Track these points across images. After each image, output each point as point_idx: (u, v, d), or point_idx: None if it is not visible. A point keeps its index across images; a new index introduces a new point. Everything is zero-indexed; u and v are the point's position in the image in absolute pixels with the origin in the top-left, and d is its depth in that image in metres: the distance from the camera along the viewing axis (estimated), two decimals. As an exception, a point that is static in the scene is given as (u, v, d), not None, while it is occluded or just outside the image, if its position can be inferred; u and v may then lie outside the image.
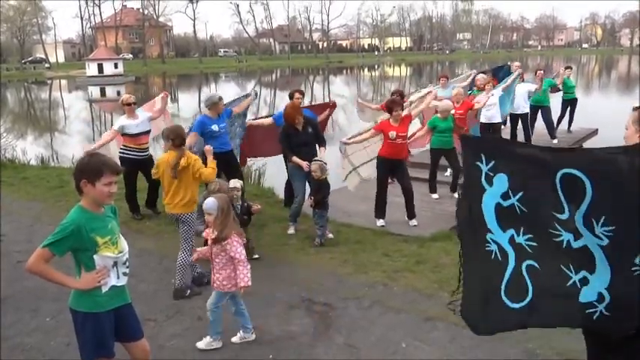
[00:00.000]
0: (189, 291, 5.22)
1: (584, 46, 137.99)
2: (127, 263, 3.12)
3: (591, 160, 2.34)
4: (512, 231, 2.57)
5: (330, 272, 5.72)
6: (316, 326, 4.59)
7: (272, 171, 10.68)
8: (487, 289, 2.68)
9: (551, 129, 12.81)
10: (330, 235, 6.89)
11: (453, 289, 2.87)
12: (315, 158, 6.67)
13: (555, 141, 12.71)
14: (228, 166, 7.12)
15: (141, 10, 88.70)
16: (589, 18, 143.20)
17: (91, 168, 2.91)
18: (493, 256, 2.63)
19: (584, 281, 2.46)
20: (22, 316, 4.81)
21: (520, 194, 2.50)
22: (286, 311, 4.84)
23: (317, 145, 6.99)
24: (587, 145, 14.29)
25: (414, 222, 7.49)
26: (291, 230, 7.04)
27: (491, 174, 2.54)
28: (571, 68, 14.30)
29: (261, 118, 8.24)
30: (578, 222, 2.38)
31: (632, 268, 2.36)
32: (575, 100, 13.82)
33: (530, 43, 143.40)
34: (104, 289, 2.99)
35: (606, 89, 37.53)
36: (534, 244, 2.53)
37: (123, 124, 7.46)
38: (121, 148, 7.59)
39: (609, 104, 26.08)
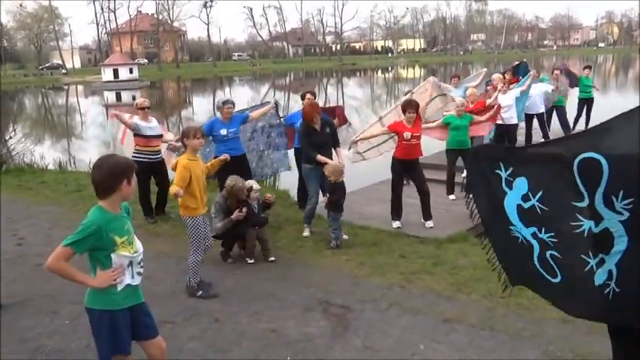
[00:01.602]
0: (200, 291, 5.23)
1: (601, 45, 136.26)
2: (142, 263, 3.16)
3: (603, 138, 2.49)
4: (534, 228, 2.77)
5: (347, 274, 5.69)
6: (333, 328, 4.56)
7: (286, 173, 10.68)
8: (523, 263, 2.90)
9: (567, 129, 12.71)
10: (345, 237, 6.87)
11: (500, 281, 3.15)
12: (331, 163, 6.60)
13: None
14: (239, 171, 7.19)
15: (155, 16, 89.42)
16: (605, 17, 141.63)
17: (129, 167, 3.01)
18: (520, 241, 2.86)
19: (600, 263, 2.62)
20: (41, 319, 4.85)
21: (540, 194, 2.69)
22: (303, 313, 4.82)
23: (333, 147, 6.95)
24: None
25: (430, 223, 7.45)
26: (306, 232, 7.02)
27: (511, 179, 2.77)
28: (590, 68, 14.17)
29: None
30: (598, 204, 2.54)
31: None
32: (592, 99, 13.68)
33: (546, 42, 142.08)
34: (119, 287, 3.03)
35: (624, 89, 37.05)
36: (555, 240, 2.73)
37: (138, 122, 7.56)
38: (134, 152, 7.64)
39: (627, 104, 25.73)
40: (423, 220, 7.51)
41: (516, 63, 12.40)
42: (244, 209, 5.97)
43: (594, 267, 2.63)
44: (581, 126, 13.97)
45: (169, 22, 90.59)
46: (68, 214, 8.25)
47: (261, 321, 4.71)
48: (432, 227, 7.39)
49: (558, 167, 2.61)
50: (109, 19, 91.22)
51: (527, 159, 2.77)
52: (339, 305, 4.95)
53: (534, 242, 2.81)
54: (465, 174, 9.48)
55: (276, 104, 7.88)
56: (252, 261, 6.08)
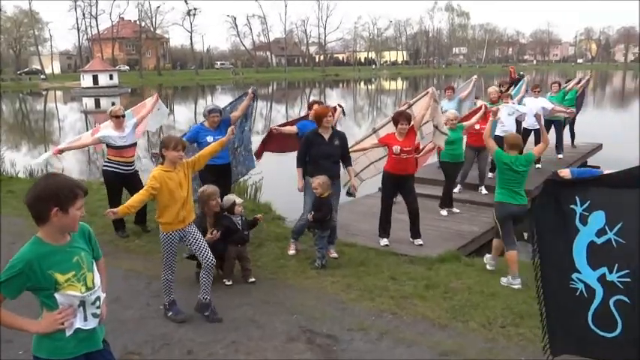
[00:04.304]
0: (170, 312, 4.80)
1: (579, 61, 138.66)
2: (98, 303, 2.62)
3: None
4: (603, 269, 2.68)
5: (333, 298, 5.24)
6: (319, 362, 4.13)
7: (269, 185, 10.24)
8: (574, 322, 2.80)
9: (560, 144, 12.57)
10: (335, 255, 6.44)
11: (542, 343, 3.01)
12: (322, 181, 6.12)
13: (561, 156, 12.42)
14: (222, 181, 6.78)
15: (138, 23, 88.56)
16: (584, 33, 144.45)
17: (64, 193, 2.42)
18: (578, 293, 2.77)
19: None
20: (-7, 348, 4.34)
21: (619, 226, 2.62)
22: (285, 343, 4.37)
23: (341, 162, 6.47)
24: (591, 160, 14.00)
25: (419, 241, 7.09)
26: (291, 251, 6.55)
27: (587, 213, 2.68)
28: (559, 84, 14.07)
29: (287, 124, 7.69)
30: None
31: None
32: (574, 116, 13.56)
33: (526, 57, 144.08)
34: (68, 333, 2.50)
35: (603, 104, 37.34)
36: (628, 280, 2.64)
37: (106, 134, 7.16)
38: (105, 161, 7.30)
39: (607, 120, 25.89)
40: (411, 239, 7.15)
41: (516, 77, 12.19)
42: (214, 232, 5.46)
43: None
44: (566, 141, 13.85)
45: (152, 29, 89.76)
46: (35, 227, 7.68)
47: (239, 352, 4.25)
48: (421, 245, 7.03)
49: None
50: (91, 25, 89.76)
51: (607, 189, 2.67)
52: (325, 334, 4.49)
53: (599, 288, 2.71)
54: (457, 189, 9.35)
55: (254, 93, 7.40)
56: (230, 282, 5.60)
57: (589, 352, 2.85)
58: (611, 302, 2.69)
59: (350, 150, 7.16)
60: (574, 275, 2.76)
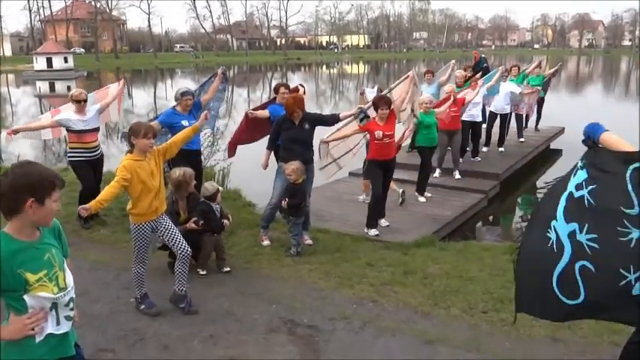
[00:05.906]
0: (143, 306, 4.59)
1: (536, 46, 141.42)
2: (72, 304, 2.38)
3: None
4: (575, 225, 2.62)
5: (312, 287, 5.10)
6: (302, 354, 3.99)
7: (237, 171, 10.01)
8: (540, 283, 2.76)
9: (520, 130, 12.71)
10: (309, 242, 6.32)
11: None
12: (292, 162, 6.00)
13: (522, 139, 12.54)
14: (191, 166, 6.57)
15: (93, 4, 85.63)
16: (540, 19, 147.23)
17: (42, 183, 2.20)
18: (549, 244, 2.71)
19: None
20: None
21: (592, 187, 2.55)
22: (266, 335, 4.21)
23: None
24: (554, 144, 14.23)
25: (385, 222, 7.08)
26: (265, 242, 6.34)
27: (578, 168, 2.66)
28: (540, 67, 14.23)
29: (258, 108, 7.49)
30: None
31: None
32: (542, 98, 13.76)
33: (484, 42, 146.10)
34: (38, 338, 2.26)
35: (559, 88, 38.12)
36: (595, 245, 2.54)
37: (66, 117, 6.78)
38: (70, 150, 6.94)
39: (566, 104, 26.44)
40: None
41: (478, 61, 12.13)
42: (199, 222, 5.29)
43: (632, 281, 2.50)
44: (531, 124, 14.04)
45: (108, 10, 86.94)
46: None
47: (217, 346, 4.08)
48: (387, 226, 7.04)
49: (616, 169, 2.50)
50: (43, 6, 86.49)
51: (596, 154, 2.62)
52: (307, 325, 4.36)
53: (567, 246, 2.63)
54: (436, 174, 9.33)
55: (224, 73, 7.29)
56: (204, 272, 5.40)
57: (550, 315, 2.87)
58: (576, 267, 2.63)
59: (331, 138, 7.01)
60: (552, 222, 2.73)
